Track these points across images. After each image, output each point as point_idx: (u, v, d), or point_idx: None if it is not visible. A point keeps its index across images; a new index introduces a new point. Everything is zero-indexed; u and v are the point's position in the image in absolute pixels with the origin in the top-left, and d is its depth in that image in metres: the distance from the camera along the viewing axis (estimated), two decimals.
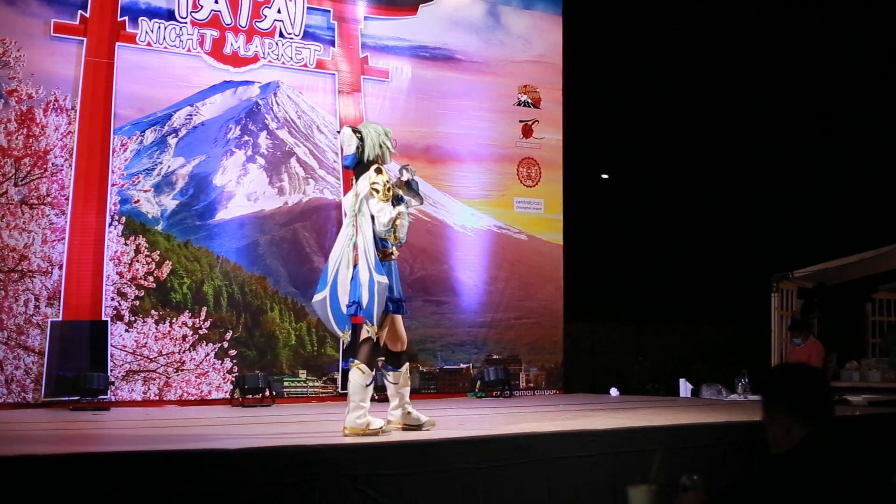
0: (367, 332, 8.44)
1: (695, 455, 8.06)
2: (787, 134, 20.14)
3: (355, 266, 8.40)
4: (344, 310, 8.43)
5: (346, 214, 8.81)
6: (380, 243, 8.43)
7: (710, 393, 13.56)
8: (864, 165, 19.71)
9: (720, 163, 20.35)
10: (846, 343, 16.67)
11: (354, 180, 8.66)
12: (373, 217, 8.38)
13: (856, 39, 19.19)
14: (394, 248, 8.53)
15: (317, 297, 8.62)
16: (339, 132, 8.90)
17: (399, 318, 8.71)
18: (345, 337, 8.64)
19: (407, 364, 8.83)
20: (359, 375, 8.35)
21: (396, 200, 8.53)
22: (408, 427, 8.63)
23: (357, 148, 8.58)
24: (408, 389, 8.78)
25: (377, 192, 8.36)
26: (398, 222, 8.42)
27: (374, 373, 8.43)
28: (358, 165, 8.62)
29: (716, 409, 11.01)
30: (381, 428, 8.28)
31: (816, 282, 16.17)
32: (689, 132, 20.34)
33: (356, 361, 8.42)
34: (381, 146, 8.62)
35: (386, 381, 8.74)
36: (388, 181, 8.47)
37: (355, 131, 8.64)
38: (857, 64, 19.47)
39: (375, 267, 8.30)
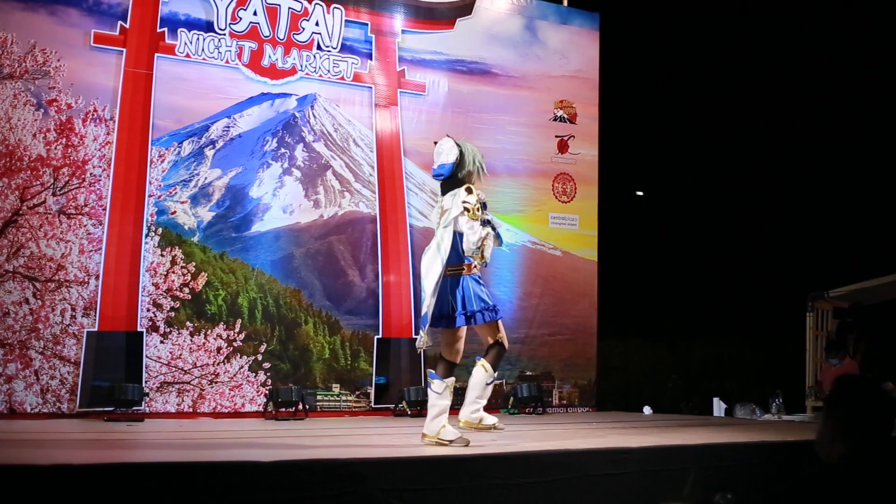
0: (494, 335, 8.91)
1: (728, 474, 8.00)
2: (826, 152, 20.05)
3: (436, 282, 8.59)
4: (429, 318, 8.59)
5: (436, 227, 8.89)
6: (463, 258, 8.59)
7: (744, 412, 13.49)
8: None
9: (756, 181, 20.28)
10: (882, 363, 16.55)
11: (441, 193, 8.82)
12: (459, 234, 8.53)
13: (893, 60, 19.10)
14: (476, 262, 8.63)
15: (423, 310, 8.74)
16: (435, 142, 8.99)
17: (462, 330, 8.76)
18: (421, 341, 8.67)
19: (452, 378, 8.83)
20: (482, 373, 8.90)
21: (484, 223, 8.58)
22: (479, 427, 8.99)
23: (455, 160, 8.69)
24: (448, 402, 8.78)
25: (468, 210, 8.47)
26: (485, 243, 8.52)
27: (496, 373, 8.97)
28: (448, 178, 8.73)
29: (749, 429, 10.94)
30: (493, 425, 8.79)
31: (852, 301, 16.08)
32: (725, 149, 20.28)
33: (483, 360, 8.91)
34: (476, 164, 8.75)
35: (429, 389, 8.78)
36: (478, 202, 8.53)
37: (456, 143, 8.76)
38: (889, 78, 19.37)
39: (438, 284, 8.50)
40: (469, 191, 8.59)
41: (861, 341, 15.56)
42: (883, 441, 4.08)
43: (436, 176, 8.89)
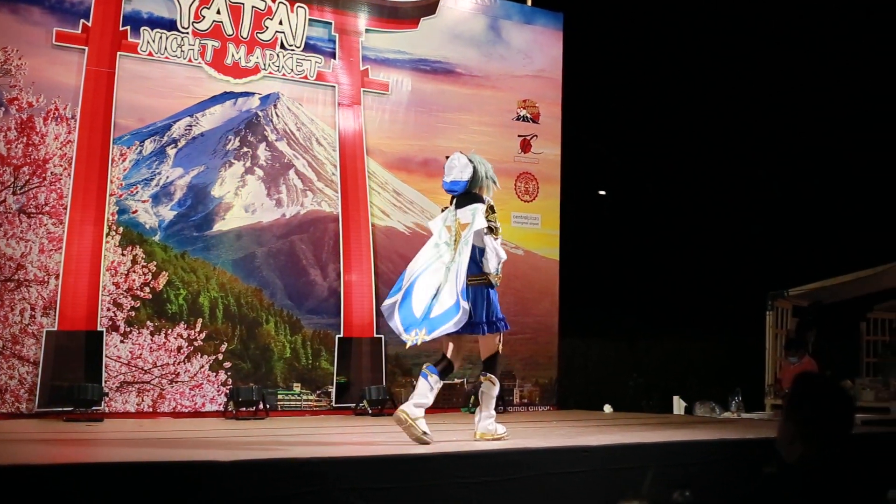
0: (495, 346, 9.20)
1: (687, 472, 8.06)
2: (785, 152, 20.16)
3: (438, 288, 8.95)
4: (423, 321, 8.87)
5: (440, 236, 9.27)
6: (482, 269, 8.94)
7: (704, 410, 13.56)
8: (860, 185, 19.73)
9: (717, 180, 20.36)
10: (841, 362, 16.67)
11: (454, 206, 9.14)
12: (481, 251, 8.92)
13: (851, 62, 19.23)
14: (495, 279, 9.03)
15: (386, 301, 9.13)
16: (447, 157, 9.31)
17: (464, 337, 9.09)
18: (409, 340, 8.91)
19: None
20: (491, 387, 9.13)
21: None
22: (495, 438, 9.07)
23: (469, 178, 9.03)
24: (431, 400, 9.08)
25: (492, 230, 8.94)
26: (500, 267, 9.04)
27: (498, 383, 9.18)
28: (462, 194, 9.09)
29: (709, 427, 11.01)
30: (505, 434, 8.94)
31: (812, 300, 16.19)
32: (687, 149, 20.36)
33: (489, 374, 9.18)
34: (489, 178, 9.12)
35: (424, 380, 9.00)
36: (497, 220, 9.02)
37: (469, 160, 9.08)
38: (852, 84, 19.49)
39: (461, 295, 8.73)
40: (492, 209, 9.00)
41: (820, 340, 15.67)
42: (842, 439, 4.12)
43: (449, 190, 9.22)
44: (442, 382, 9.02)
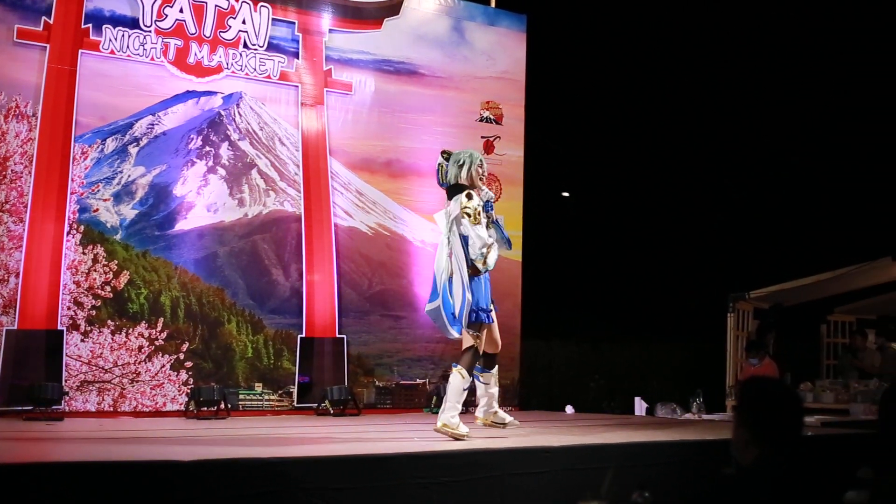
0: (472, 340, 9.22)
1: (647, 473, 8.08)
2: (747, 156, 20.28)
3: (450, 279, 9.19)
4: (455, 314, 9.12)
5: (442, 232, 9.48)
6: (469, 261, 9.12)
7: (665, 412, 13.61)
8: (821, 189, 19.87)
9: (679, 183, 20.46)
10: (801, 364, 16.78)
11: (447, 200, 9.39)
12: (465, 239, 9.12)
13: (813, 68, 19.35)
14: (479, 266, 9.18)
15: (430, 306, 9.37)
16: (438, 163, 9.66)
17: (494, 324, 9.38)
18: (459, 336, 9.25)
19: (497, 367, 9.57)
20: (458, 379, 9.11)
21: (492, 224, 9.34)
22: (493, 424, 9.47)
23: (448, 171, 9.46)
24: (496, 390, 9.58)
25: (468, 216, 9.09)
26: (489, 251, 9.15)
27: (471, 378, 9.20)
28: (451, 187, 9.38)
29: (670, 428, 11.05)
30: (466, 434, 8.88)
31: (772, 303, 16.28)
32: (650, 152, 20.44)
33: (459, 366, 9.16)
34: (470, 167, 9.36)
35: (477, 382, 9.47)
36: (478, 206, 9.16)
37: (446, 157, 9.54)
38: (814, 89, 19.62)
39: (465, 283, 9.08)
40: (469, 196, 9.20)
41: (780, 342, 15.77)
42: (794, 442, 4.13)
43: (441, 186, 9.56)
44: (489, 374, 9.55)
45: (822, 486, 4.10)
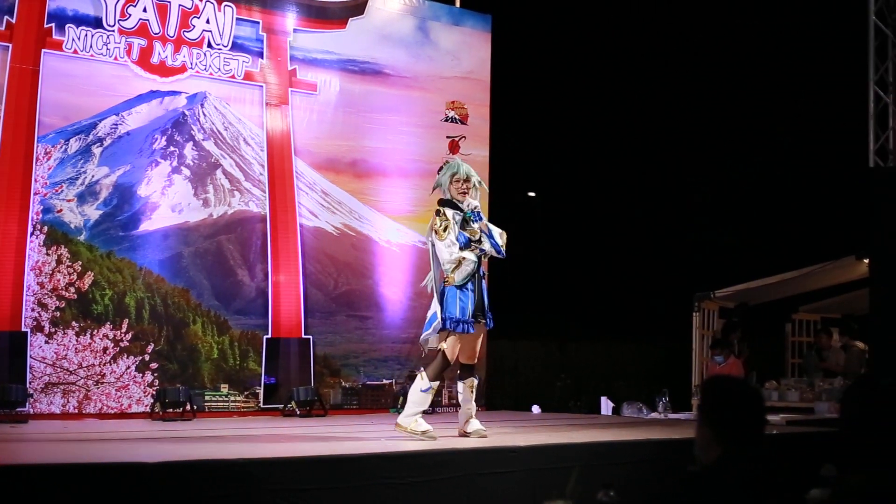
0: (436, 345, 9.46)
1: (613, 472, 8.10)
2: (713, 157, 20.36)
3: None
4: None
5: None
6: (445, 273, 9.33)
7: (631, 411, 13.65)
8: (786, 188, 19.97)
9: (645, 184, 20.52)
10: (766, 363, 16.86)
11: None
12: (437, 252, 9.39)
13: (779, 69, 19.44)
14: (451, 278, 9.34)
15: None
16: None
17: (465, 336, 9.32)
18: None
19: (472, 379, 9.55)
20: (419, 381, 9.32)
21: (476, 241, 9.42)
22: (462, 434, 9.35)
23: (436, 183, 9.68)
24: (470, 404, 9.52)
25: (435, 231, 9.33)
26: (460, 266, 9.30)
27: (433, 383, 9.28)
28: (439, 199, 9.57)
29: (635, 428, 11.08)
30: (424, 432, 9.02)
31: (738, 302, 16.35)
32: (616, 153, 20.50)
33: (423, 370, 9.42)
34: (446, 177, 9.52)
35: (456, 390, 9.72)
36: (445, 221, 9.31)
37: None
38: (779, 91, 19.72)
39: (437, 293, 9.41)
40: (438, 212, 9.40)
41: (745, 340, 15.84)
42: (757, 440, 4.14)
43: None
44: (460, 385, 9.64)
45: (786, 484, 4.11)
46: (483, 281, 9.53)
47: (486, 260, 9.76)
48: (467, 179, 9.45)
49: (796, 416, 13.35)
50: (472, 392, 9.50)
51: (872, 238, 12.80)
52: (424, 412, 9.47)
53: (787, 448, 9.69)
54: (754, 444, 4.12)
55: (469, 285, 9.32)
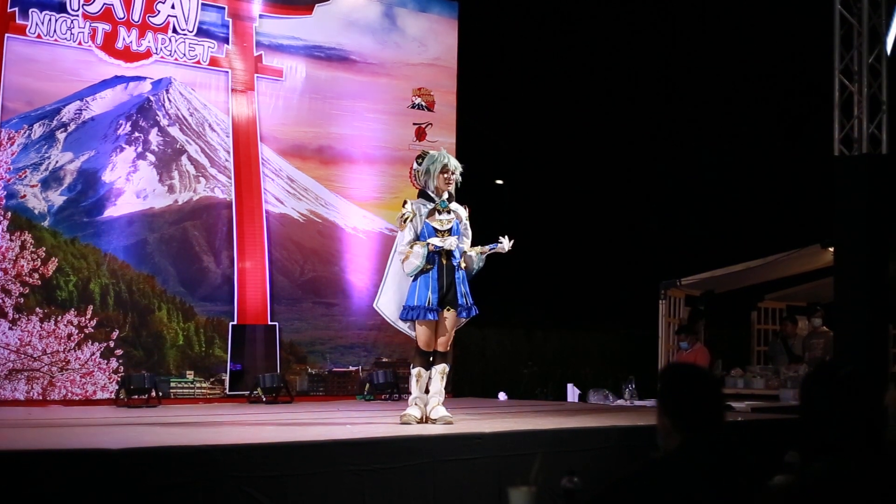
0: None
1: (579, 459, 8.11)
2: (678, 144, 20.41)
3: None
4: None
5: None
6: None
7: (598, 398, 13.67)
8: (751, 177, 20.04)
9: (612, 171, 20.55)
10: (732, 350, 16.92)
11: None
12: None
13: (744, 58, 19.50)
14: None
15: None
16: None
17: (429, 323, 9.45)
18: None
19: (442, 366, 9.58)
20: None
21: (444, 231, 9.56)
22: (427, 420, 9.40)
23: (418, 175, 9.78)
24: (433, 388, 9.56)
25: (399, 223, 9.56)
26: (408, 259, 9.43)
27: (414, 370, 9.55)
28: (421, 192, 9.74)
29: (601, 414, 11.10)
30: (403, 415, 9.35)
31: (704, 290, 16.39)
32: (582, 140, 20.52)
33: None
34: (423, 169, 9.65)
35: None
36: (403, 214, 9.45)
37: (420, 160, 9.77)
38: (745, 78, 19.78)
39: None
40: (404, 203, 9.57)
41: (710, 328, 15.90)
42: (716, 427, 4.14)
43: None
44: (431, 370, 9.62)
45: (750, 470, 4.11)
46: (459, 271, 9.59)
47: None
48: (455, 171, 9.62)
49: (762, 403, 13.40)
50: (441, 379, 9.53)
51: (837, 227, 12.84)
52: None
53: (751, 435, 9.73)
54: (715, 432, 4.12)
55: (433, 274, 9.42)
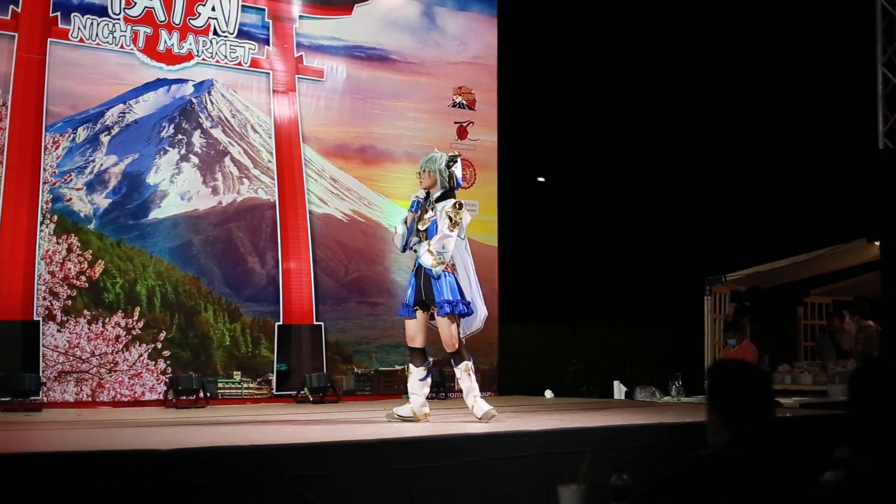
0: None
1: (626, 455, 8.08)
2: (724, 138, 20.29)
3: None
4: None
5: None
6: None
7: (644, 395, 13.63)
8: (796, 171, 19.91)
9: (656, 166, 20.47)
10: (779, 346, 16.81)
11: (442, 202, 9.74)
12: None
13: (786, 51, 19.38)
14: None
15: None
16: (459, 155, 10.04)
17: (414, 321, 9.77)
18: None
19: (463, 364, 9.72)
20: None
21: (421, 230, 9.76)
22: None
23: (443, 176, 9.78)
24: (463, 386, 9.74)
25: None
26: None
27: (414, 367, 9.90)
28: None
29: (648, 411, 11.05)
30: (398, 410, 9.73)
31: (749, 285, 16.29)
32: (625, 136, 20.44)
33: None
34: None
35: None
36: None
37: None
38: (791, 70, 19.65)
39: None
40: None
41: (755, 324, 15.80)
42: (766, 423, 4.11)
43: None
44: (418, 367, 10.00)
45: (799, 467, 4.08)
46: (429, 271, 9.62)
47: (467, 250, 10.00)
48: (420, 170, 9.87)
49: (809, 399, 13.31)
50: (468, 376, 9.64)
51: (882, 220, 12.74)
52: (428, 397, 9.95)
53: (800, 431, 9.66)
54: (764, 427, 4.09)
55: (412, 274, 9.85)
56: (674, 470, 4.08)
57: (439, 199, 9.61)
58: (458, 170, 9.73)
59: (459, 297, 9.57)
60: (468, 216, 9.74)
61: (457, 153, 9.92)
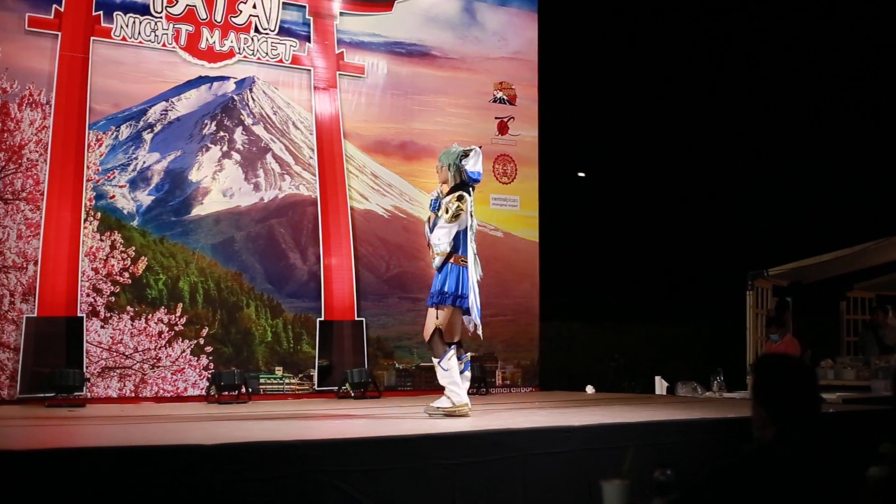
0: None
1: (669, 451, 8.07)
2: (765, 133, 20.20)
3: None
4: None
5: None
6: None
7: (686, 391, 13.59)
8: (840, 164, 19.79)
9: (697, 161, 20.39)
10: (821, 341, 16.71)
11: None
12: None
13: (830, 44, 19.26)
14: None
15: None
16: (473, 148, 10.01)
17: (434, 311, 9.68)
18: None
19: (448, 352, 9.70)
20: None
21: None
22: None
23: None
24: (444, 378, 9.68)
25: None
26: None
27: (440, 358, 9.63)
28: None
29: (690, 407, 11.03)
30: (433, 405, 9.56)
31: (791, 280, 16.21)
32: (666, 131, 20.38)
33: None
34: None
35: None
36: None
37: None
38: (831, 65, 19.54)
39: None
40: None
41: (798, 319, 15.70)
42: (813, 417, 4.10)
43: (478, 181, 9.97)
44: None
45: (843, 462, 4.07)
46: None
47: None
48: (437, 169, 9.93)
49: (853, 394, 13.23)
50: (443, 372, 9.71)
51: None
52: (469, 392, 9.89)
53: (844, 426, 9.61)
54: (810, 423, 4.08)
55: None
56: (720, 465, 4.07)
57: (449, 194, 9.58)
58: (471, 163, 9.65)
59: (453, 290, 9.52)
60: (470, 205, 9.68)
61: (472, 147, 9.86)
